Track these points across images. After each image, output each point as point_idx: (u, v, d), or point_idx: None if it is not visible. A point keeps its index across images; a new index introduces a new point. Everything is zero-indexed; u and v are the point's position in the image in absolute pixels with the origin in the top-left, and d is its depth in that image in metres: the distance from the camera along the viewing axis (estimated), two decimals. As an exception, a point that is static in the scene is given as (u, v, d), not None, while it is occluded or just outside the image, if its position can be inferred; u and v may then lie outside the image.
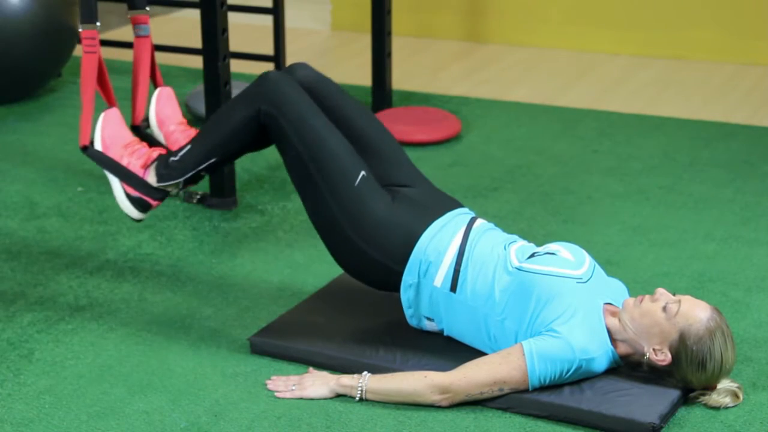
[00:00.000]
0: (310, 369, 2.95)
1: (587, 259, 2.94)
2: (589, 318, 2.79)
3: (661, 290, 2.80)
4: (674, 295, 2.80)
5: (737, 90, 5.36)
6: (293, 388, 2.87)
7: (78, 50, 4.95)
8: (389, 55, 4.95)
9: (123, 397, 2.87)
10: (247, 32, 5.98)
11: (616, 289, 2.96)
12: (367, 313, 3.16)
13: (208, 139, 3.13)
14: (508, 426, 2.75)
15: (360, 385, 2.83)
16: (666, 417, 2.72)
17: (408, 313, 3.02)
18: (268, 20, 5.18)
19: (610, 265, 3.50)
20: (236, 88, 4.46)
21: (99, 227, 3.85)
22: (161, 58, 5.49)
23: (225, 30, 3.95)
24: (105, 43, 5.25)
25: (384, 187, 3.05)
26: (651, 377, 2.83)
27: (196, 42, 4.39)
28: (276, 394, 2.87)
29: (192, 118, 4.79)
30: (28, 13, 4.86)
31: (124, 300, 3.37)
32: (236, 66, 4.65)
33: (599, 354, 2.79)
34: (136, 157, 3.14)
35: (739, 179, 4.26)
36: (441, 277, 2.92)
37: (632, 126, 4.86)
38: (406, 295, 2.98)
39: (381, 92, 4.98)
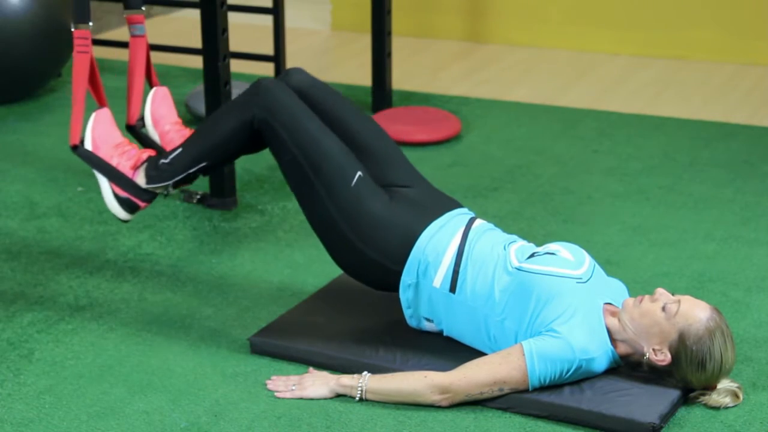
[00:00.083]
0: (310, 369, 2.95)
1: (587, 259, 2.94)
2: (589, 318, 2.79)
3: (660, 290, 2.80)
4: (674, 295, 2.81)
5: (737, 90, 5.36)
6: (293, 388, 2.87)
7: (78, 50, 4.95)
8: (389, 55, 4.95)
9: (123, 397, 2.87)
10: (247, 32, 5.98)
11: (616, 289, 2.96)
12: (366, 313, 3.16)
13: (199, 144, 3.13)
14: (508, 426, 2.75)
15: (360, 385, 2.83)
16: (666, 417, 2.72)
17: (407, 313, 3.02)
18: (268, 20, 5.18)
19: (610, 265, 3.50)
20: (236, 88, 4.47)
21: (99, 227, 3.85)
22: (161, 58, 5.50)
23: (225, 30, 3.95)
24: (104, 42, 5.27)
25: (382, 188, 3.05)
26: (651, 377, 2.83)
27: (196, 42, 4.39)
28: (276, 394, 2.87)
29: (192, 118, 4.79)
30: (28, 13, 4.86)
31: (124, 300, 3.37)
32: (236, 66, 4.65)
33: (599, 354, 2.79)
34: (126, 158, 3.15)
35: (739, 179, 4.26)
36: (440, 277, 2.92)
37: (632, 126, 4.86)
38: (405, 295, 2.98)
39: (381, 92, 4.98)
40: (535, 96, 5.30)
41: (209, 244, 3.75)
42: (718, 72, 5.64)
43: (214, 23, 3.91)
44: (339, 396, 2.85)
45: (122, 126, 3.31)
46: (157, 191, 3.16)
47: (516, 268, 2.87)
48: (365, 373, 2.86)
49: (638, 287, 3.32)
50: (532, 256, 2.91)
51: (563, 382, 2.79)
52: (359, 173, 3.00)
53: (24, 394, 2.88)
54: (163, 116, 3.30)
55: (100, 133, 3.17)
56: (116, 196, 3.15)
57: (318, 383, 2.87)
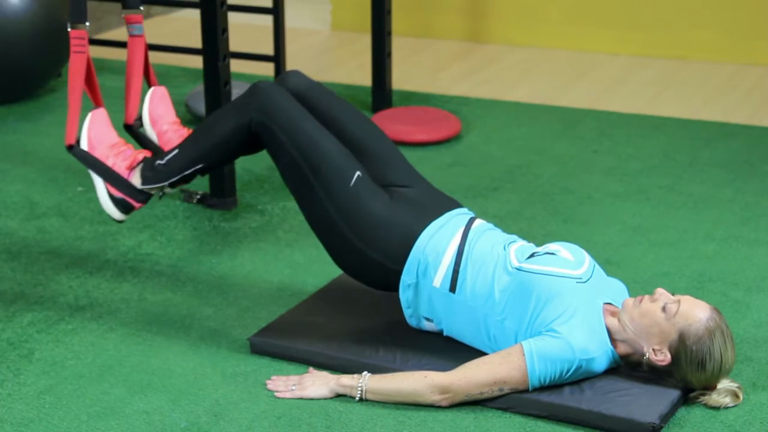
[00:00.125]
0: (310, 369, 2.95)
1: (587, 259, 2.94)
2: (589, 318, 2.79)
3: (660, 290, 2.80)
4: (674, 295, 2.81)
5: (737, 90, 5.36)
6: (293, 388, 2.87)
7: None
8: (389, 55, 4.95)
9: (123, 397, 2.87)
10: (247, 32, 5.98)
11: (616, 289, 2.96)
12: (366, 313, 3.16)
13: (196, 146, 3.13)
14: (508, 426, 2.75)
15: (360, 385, 2.83)
16: (666, 417, 2.72)
17: (407, 313, 3.02)
18: (268, 20, 5.18)
19: (610, 265, 3.50)
20: (236, 88, 4.47)
21: (99, 227, 3.85)
22: (161, 58, 5.50)
23: (225, 30, 3.95)
24: (104, 42, 5.27)
25: (382, 188, 3.05)
26: (651, 377, 2.83)
27: (196, 42, 4.39)
28: (276, 394, 2.87)
29: (192, 119, 4.79)
30: (28, 13, 4.86)
31: (124, 300, 3.37)
32: (236, 66, 4.65)
33: (599, 354, 2.79)
34: (121, 158, 3.15)
35: (739, 179, 4.26)
36: (440, 277, 2.92)
37: (632, 126, 4.86)
38: (405, 295, 2.98)
39: (381, 92, 4.98)
40: (535, 96, 5.30)
41: (209, 244, 3.75)
42: (718, 72, 5.64)
43: (214, 23, 3.91)
44: (339, 396, 2.85)
45: (120, 125, 3.31)
46: (153, 192, 3.16)
47: (516, 268, 2.87)
48: (365, 373, 2.86)
49: (638, 287, 3.32)
50: (532, 256, 2.91)
51: (563, 382, 2.79)
52: (358, 173, 3.00)
53: (24, 394, 2.88)
54: (161, 116, 3.30)
55: (96, 133, 3.17)
56: (111, 196, 3.15)
57: (318, 383, 2.87)
